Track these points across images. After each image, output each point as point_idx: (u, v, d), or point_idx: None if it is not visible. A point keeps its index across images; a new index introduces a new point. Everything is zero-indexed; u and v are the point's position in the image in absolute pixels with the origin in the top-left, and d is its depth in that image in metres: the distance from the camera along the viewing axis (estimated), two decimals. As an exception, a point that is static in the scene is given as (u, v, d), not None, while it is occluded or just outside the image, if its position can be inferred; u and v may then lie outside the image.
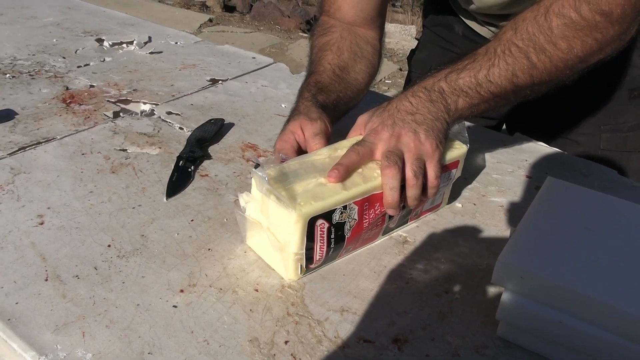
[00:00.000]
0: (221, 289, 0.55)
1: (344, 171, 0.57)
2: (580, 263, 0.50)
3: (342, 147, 0.62)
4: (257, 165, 0.57)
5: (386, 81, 3.58)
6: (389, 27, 5.61)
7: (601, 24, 0.59)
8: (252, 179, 0.57)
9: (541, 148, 0.90)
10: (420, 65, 1.06)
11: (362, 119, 0.65)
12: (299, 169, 0.58)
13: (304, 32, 4.53)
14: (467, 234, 0.67)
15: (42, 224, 0.62)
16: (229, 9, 5.16)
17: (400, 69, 3.79)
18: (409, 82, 1.11)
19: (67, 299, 0.52)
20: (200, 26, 4.36)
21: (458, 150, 0.66)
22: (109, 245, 0.59)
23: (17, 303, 0.51)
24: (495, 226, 0.69)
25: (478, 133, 0.92)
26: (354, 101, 0.79)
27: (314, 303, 0.55)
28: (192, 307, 0.52)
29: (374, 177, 0.58)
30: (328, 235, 0.56)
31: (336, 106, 0.73)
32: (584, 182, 0.80)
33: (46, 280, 0.54)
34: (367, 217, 0.58)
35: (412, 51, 1.10)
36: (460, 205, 0.73)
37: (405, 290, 0.57)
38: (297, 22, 4.66)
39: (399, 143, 0.59)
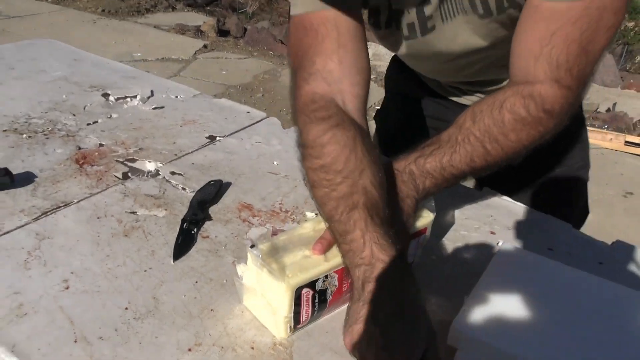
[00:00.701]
0: (222, 347, 0.65)
1: (327, 245, 0.67)
2: (524, 330, 0.60)
3: (322, 221, 0.72)
4: (252, 245, 0.67)
5: (376, 107, 3.70)
6: (380, 49, 5.76)
7: (544, 119, 0.70)
8: (248, 254, 0.67)
9: (506, 203, 1.01)
10: (388, 129, 1.18)
11: None
12: (287, 243, 0.68)
13: (296, 57, 4.66)
14: (436, 290, 0.77)
15: (67, 288, 0.72)
16: (223, 33, 5.28)
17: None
18: (379, 140, 1.22)
19: (94, 359, 0.62)
20: (195, 52, 4.48)
21: (426, 218, 0.77)
22: (126, 308, 0.69)
23: (52, 364, 0.61)
24: (462, 282, 0.79)
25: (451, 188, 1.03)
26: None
27: (301, 359, 0.65)
28: (198, 365, 0.62)
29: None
30: (313, 300, 0.66)
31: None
32: (541, 235, 0.91)
33: (75, 342, 0.64)
34: (346, 282, 0.68)
35: (378, 111, 1.22)
36: (430, 262, 0.83)
37: (378, 346, 0.67)
38: (290, 47, 4.80)
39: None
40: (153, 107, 1.28)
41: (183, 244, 0.82)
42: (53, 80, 1.39)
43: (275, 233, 0.71)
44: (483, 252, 0.86)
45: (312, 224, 0.72)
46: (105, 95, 1.32)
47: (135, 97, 1.31)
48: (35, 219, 0.85)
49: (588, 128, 3.66)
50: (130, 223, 0.86)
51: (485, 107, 0.73)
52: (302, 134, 0.72)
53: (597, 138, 3.48)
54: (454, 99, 1.04)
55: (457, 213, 0.96)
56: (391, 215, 0.67)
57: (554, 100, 0.70)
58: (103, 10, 5.52)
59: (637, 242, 0.94)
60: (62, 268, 0.75)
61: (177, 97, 1.35)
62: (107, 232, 0.83)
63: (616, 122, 4.10)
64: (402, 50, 0.87)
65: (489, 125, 0.72)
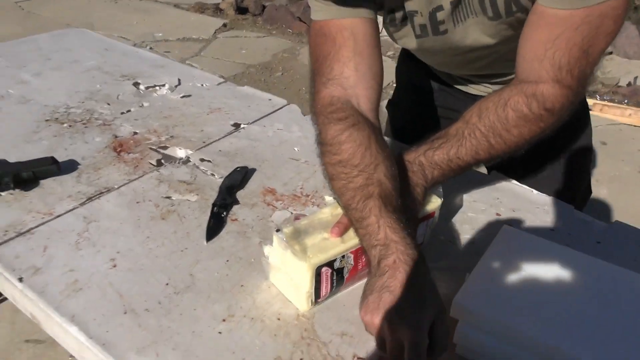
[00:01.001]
0: (252, 318, 0.74)
1: (343, 228, 0.75)
2: (519, 304, 0.68)
3: (338, 206, 0.80)
4: (278, 230, 0.75)
5: (393, 85, 3.73)
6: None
7: (545, 116, 0.77)
8: (274, 236, 0.75)
9: (512, 186, 1.07)
10: (399, 118, 1.25)
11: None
12: (308, 226, 0.76)
13: (314, 34, 4.69)
14: (443, 268, 0.85)
15: (115, 266, 0.81)
16: (241, 10, 5.31)
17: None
18: (392, 128, 1.29)
19: (142, 327, 0.71)
20: (215, 32, 4.54)
21: (434, 203, 0.85)
22: (167, 284, 0.79)
23: (107, 331, 0.71)
24: (466, 261, 0.87)
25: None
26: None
27: (321, 329, 0.74)
28: (232, 333, 0.72)
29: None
30: (331, 277, 0.74)
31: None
32: (544, 216, 0.98)
33: (125, 313, 0.74)
34: (360, 262, 0.77)
35: (390, 101, 1.29)
36: (438, 242, 0.91)
37: (390, 318, 0.76)
38: (308, 24, 4.82)
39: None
40: (181, 95, 1.36)
41: (214, 227, 0.90)
42: (87, 70, 1.48)
43: (297, 218, 0.79)
44: (488, 233, 0.93)
45: (330, 209, 0.80)
46: (136, 84, 1.41)
47: (163, 85, 1.40)
48: (82, 204, 0.94)
49: (607, 103, 3.63)
50: (166, 207, 0.95)
51: (490, 105, 0.80)
52: (322, 133, 0.80)
53: (616, 114, 3.47)
54: (463, 88, 1.10)
55: (466, 196, 1.03)
56: (403, 202, 0.75)
57: (555, 99, 0.76)
58: (124, -10, 5.58)
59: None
60: (109, 248, 0.85)
61: (202, 85, 1.43)
62: (146, 216, 0.92)
63: (637, 96, 4.06)
64: (413, 45, 0.93)
65: (494, 121, 0.78)
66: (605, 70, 4.86)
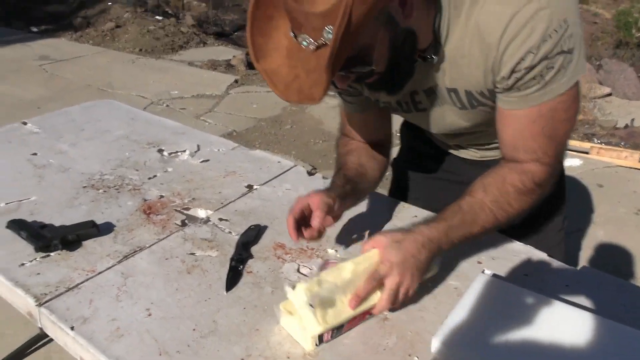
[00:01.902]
0: (267, 358, 0.88)
1: (360, 301, 0.89)
2: (490, 342, 0.81)
3: (360, 262, 0.91)
4: (293, 286, 0.90)
5: (397, 134, 3.90)
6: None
7: (536, 190, 0.93)
8: (292, 290, 0.89)
9: (494, 236, 1.21)
10: (401, 177, 1.42)
11: (380, 241, 0.91)
12: (328, 284, 0.89)
13: (321, 87, 4.93)
14: (430, 311, 0.99)
15: (150, 315, 0.96)
16: (251, 65, 5.60)
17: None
18: (395, 186, 1.45)
19: (174, 367, 0.86)
20: (227, 87, 4.79)
21: (431, 271, 1.00)
22: (194, 329, 0.93)
23: (146, 371, 0.85)
24: (450, 304, 1.01)
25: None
26: (370, 190, 1.20)
27: (325, 365, 0.87)
28: (249, 370, 0.86)
29: (371, 299, 0.91)
30: (332, 330, 0.89)
31: (356, 194, 1.12)
32: (519, 263, 1.12)
33: (160, 355, 0.88)
34: (358, 315, 0.91)
35: (395, 159, 1.46)
36: (425, 288, 1.05)
37: (382, 355, 0.89)
38: (315, 77, 5.07)
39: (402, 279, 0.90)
40: (200, 160, 1.53)
41: (233, 279, 1.05)
42: (116, 139, 1.66)
43: (325, 266, 0.95)
44: (470, 279, 1.07)
45: (353, 266, 0.91)
46: (160, 151, 1.59)
47: (184, 151, 1.58)
48: (119, 262, 1.10)
49: (603, 146, 3.76)
50: (190, 262, 1.10)
51: (492, 181, 0.96)
52: (338, 157, 1.21)
53: (612, 156, 3.61)
54: (456, 153, 1.26)
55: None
56: None
57: (541, 174, 0.93)
58: (140, 50, 5.92)
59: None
60: (144, 300, 1.00)
61: (219, 150, 1.61)
62: (175, 271, 1.08)
63: (634, 138, 4.20)
64: (403, 117, 1.11)
65: (497, 195, 0.94)
66: (605, 111, 5.03)
